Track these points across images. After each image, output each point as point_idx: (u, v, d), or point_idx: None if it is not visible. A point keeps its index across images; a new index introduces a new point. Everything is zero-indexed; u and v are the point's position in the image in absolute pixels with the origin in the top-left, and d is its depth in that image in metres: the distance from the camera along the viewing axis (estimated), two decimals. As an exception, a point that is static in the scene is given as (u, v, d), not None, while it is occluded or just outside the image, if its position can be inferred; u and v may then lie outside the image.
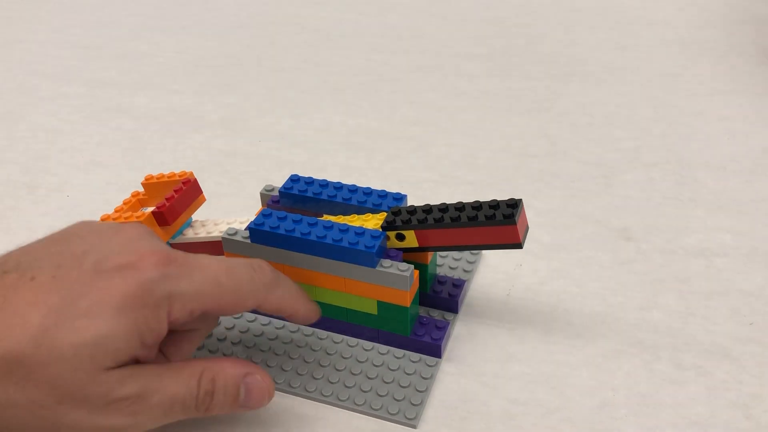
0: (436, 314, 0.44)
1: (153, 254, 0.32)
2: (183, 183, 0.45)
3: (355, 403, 0.39)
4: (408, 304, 0.40)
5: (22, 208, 0.55)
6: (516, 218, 0.38)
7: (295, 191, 0.44)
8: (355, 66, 0.76)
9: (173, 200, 0.44)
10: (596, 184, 0.56)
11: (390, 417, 0.38)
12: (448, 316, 0.44)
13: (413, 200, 0.55)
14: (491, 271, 0.48)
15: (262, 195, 0.46)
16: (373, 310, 0.41)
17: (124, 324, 0.31)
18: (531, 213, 0.53)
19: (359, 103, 0.69)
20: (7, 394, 0.30)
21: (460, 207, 0.39)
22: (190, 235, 0.45)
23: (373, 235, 0.39)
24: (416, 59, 0.77)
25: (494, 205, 0.39)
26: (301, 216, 0.40)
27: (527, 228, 0.40)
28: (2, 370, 0.29)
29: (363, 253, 0.38)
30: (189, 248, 0.45)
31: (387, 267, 0.39)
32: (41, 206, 0.55)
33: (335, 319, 0.42)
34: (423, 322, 0.42)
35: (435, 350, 0.41)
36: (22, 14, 0.92)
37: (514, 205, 0.38)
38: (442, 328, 0.42)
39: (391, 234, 0.41)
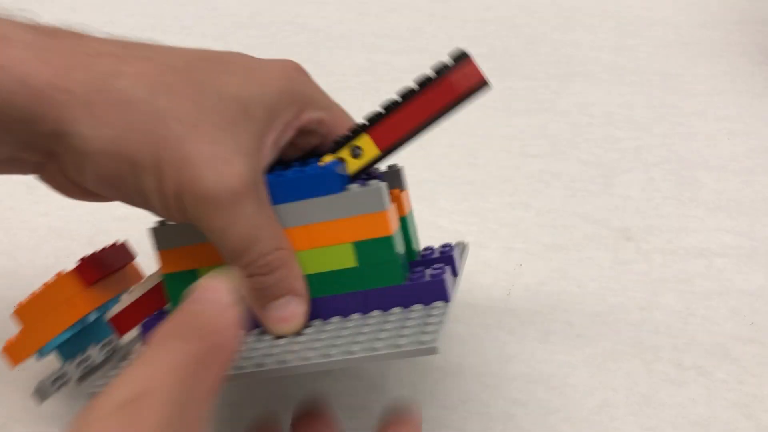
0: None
1: None
2: (109, 247, 0.39)
3: (350, 352, 0.30)
4: (391, 232, 0.32)
5: (22, 208, 0.55)
6: (468, 54, 0.34)
7: None
8: (355, 66, 0.76)
9: (95, 255, 0.38)
10: (596, 184, 0.56)
11: (401, 350, 0.29)
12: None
13: (414, 200, 0.55)
14: (491, 271, 0.48)
15: None
16: (352, 260, 0.33)
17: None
18: (531, 213, 0.53)
19: (359, 103, 0.69)
20: None
21: (403, 90, 0.34)
22: (125, 300, 0.37)
23: (329, 164, 0.34)
24: (416, 59, 0.77)
25: (438, 65, 0.34)
26: None
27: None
28: None
29: (323, 175, 0.33)
30: (129, 316, 0.37)
31: (355, 188, 0.33)
32: (41, 206, 0.55)
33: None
34: (416, 269, 0.34)
35: (439, 290, 0.32)
36: (22, 14, 0.92)
37: (461, 54, 0.34)
38: (443, 257, 0.35)
39: (346, 154, 0.34)
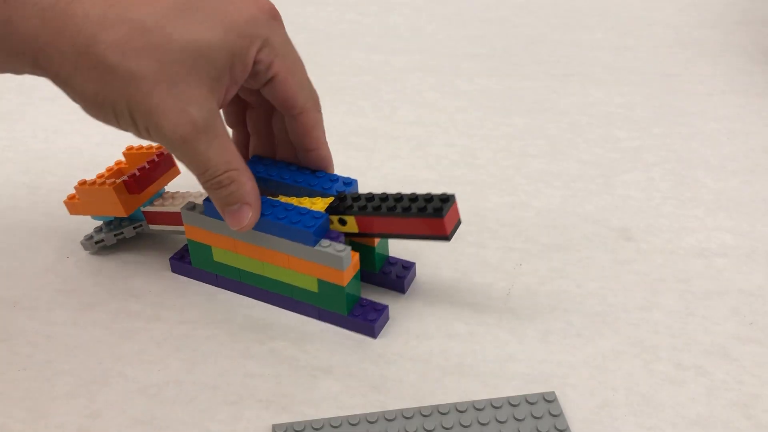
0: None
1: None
2: (157, 156, 0.49)
3: None
4: (344, 284, 0.42)
5: (22, 208, 0.55)
6: (444, 212, 0.40)
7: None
8: (355, 66, 0.76)
9: (144, 171, 0.48)
10: (596, 184, 0.56)
11: None
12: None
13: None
14: (491, 271, 0.48)
15: None
16: (314, 287, 0.43)
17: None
18: (531, 213, 0.53)
19: (359, 103, 0.69)
20: None
21: (398, 198, 0.41)
22: (158, 204, 0.48)
23: (315, 216, 0.42)
24: (416, 59, 0.77)
25: (429, 198, 0.41)
26: None
27: (459, 222, 0.42)
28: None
29: (302, 231, 0.41)
30: (156, 216, 0.49)
31: (325, 247, 0.41)
32: (41, 206, 0.55)
33: (281, 295, 0.45)
34: (363, 304, 0.44)
35: (370, 330, 0.43)
36: None
37: (446, 199, 0.40)
38: (380, 310, 0.43)
39: (334, 218, 0.43)
